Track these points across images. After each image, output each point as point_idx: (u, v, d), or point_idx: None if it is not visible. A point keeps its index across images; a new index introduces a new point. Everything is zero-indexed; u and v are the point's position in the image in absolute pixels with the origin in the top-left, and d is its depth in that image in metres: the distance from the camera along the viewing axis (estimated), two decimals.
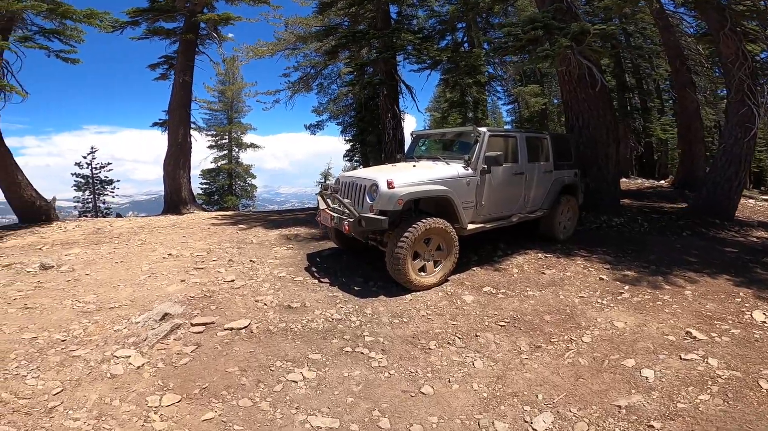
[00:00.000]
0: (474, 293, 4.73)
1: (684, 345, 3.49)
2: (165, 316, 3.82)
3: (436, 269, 4.84)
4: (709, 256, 6.08)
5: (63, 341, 3.55)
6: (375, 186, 4.58)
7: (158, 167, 12.50)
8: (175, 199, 12.58)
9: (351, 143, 19.49)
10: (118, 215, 14.81)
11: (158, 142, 12.62)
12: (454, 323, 4.03)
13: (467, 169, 5.15)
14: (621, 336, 3.71)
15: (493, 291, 4.78)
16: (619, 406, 2.75)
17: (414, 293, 4.64)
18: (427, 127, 28.32)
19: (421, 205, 4.89)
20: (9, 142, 9.20)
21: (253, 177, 23.97)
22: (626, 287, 4.84)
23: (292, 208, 15.85)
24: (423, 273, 4.73)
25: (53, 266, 5.59)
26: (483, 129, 5.45)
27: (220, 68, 20.74)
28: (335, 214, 4.89)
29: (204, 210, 13.24)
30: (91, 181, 18.88)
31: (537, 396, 2.91)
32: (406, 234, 4.38)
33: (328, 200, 5.36)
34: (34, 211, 9.61)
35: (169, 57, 12.69)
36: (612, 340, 3.63)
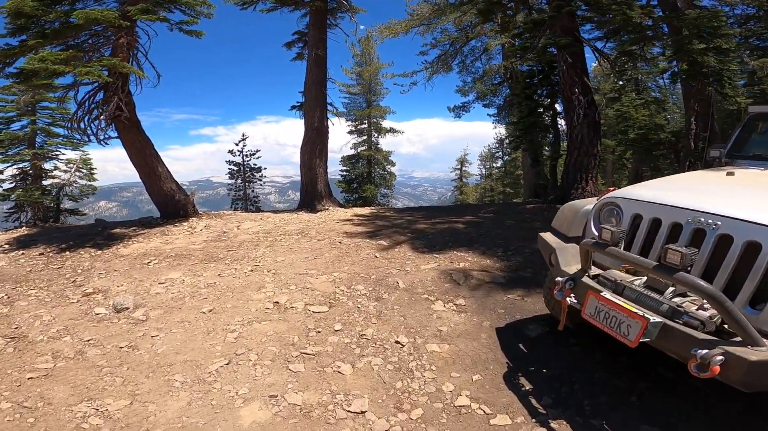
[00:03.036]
0: None
1: None
2: None
3: None
4: None
5: None
6: None
7: None
8: (310, 191, 11.15)
9: (513, 127, 15.71)
10: (258, 209, 14.30)
11: None
12: None
13: None
14: None
15: None
16: None
17: None
18: None
19: None
20: (206, 131, 8.68)
21: (392, 164, 22.03)
22: None
23: (436, 203, 13.25)
24: None
25: (128, 308, 3.90)
26: None
27: (356, 49, 19.20)
28: (653, 318, 1.74)
29: (340, 206, 11.53)
30: (242, 168, 19.33)
31: None
32: None
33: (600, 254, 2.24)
34: (173, 205, 8.95)
35: (302, 33, 11.39)
36: None
